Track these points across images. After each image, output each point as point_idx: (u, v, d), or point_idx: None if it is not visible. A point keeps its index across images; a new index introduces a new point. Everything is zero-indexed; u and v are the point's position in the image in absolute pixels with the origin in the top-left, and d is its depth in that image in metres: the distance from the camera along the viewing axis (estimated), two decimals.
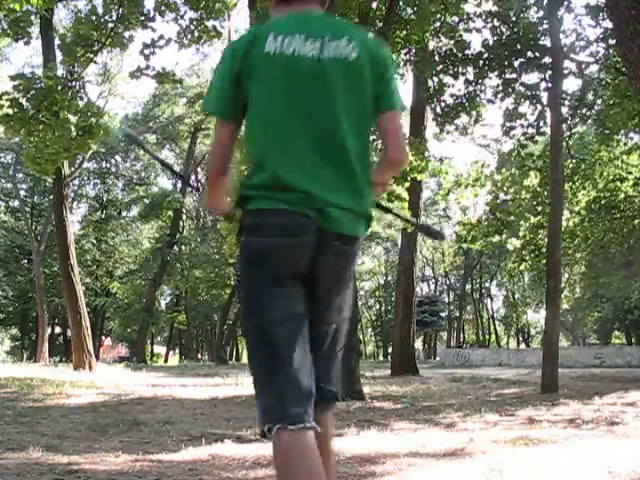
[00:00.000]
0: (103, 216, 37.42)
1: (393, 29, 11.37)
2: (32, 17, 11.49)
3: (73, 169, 23.40)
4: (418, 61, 12.32)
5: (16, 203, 34.23)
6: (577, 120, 13.53)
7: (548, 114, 11.83)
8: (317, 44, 1.58)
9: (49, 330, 33.30)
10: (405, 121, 18.77)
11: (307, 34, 1.59)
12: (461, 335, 44.50)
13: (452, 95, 12.97)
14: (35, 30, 13.88)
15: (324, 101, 1.59)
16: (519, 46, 11.78)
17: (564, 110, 12.15)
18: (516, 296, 44.80)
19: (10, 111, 10.71)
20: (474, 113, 13.05)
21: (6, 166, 33.12)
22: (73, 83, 11.72)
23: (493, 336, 45.16)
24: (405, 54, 13.02)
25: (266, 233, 1.55)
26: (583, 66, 11.98)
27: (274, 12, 1.72)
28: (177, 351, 48.09)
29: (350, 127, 1.60)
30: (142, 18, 11.40)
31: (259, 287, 1.57)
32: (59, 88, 11.22)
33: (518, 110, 12.57)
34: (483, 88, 12.72)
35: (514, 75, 12.32)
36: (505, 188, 15.39)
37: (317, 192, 1.55)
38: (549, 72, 11.32)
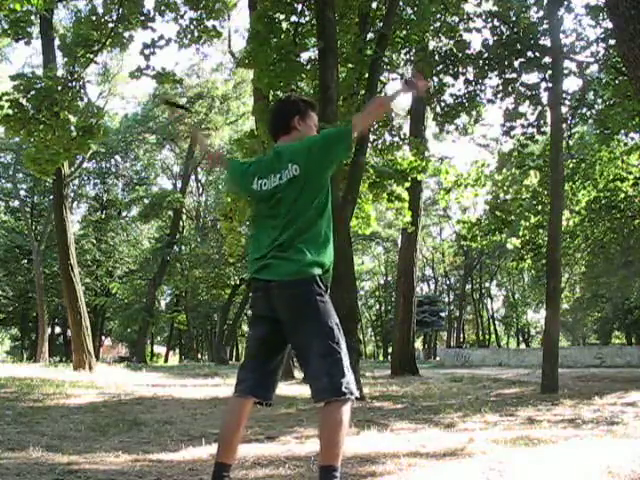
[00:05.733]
0: (103, 216, 37.40)
1: (393, 29, 11.36)
2: (32, 17, 11.48)
3: (73, 169, 23.38)
4: (418, 61, 12.32)
5: (16, 203, 34.21)
6: (577, 120, 13.52)
7: (548, 114, 11.83)
8: (278, 176, 2.55)
9: (49, 330, 33.30)
10: (405, 120, 18.77)
11: (274, 172, 2.57)
12: (461, 335, 44.47)
13: (452, 95, 12.97)
14: (35, 30, 13.88)
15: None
16: (519, 46, 11.77)
17: (564, 110, 12.14)
18: (516, 296, 44.79)
19: (10, 111, 10.70)
20: (474, 113, 13.04)
21: (6, 166, 33.10)
22: (73, 83, 11.71)
23: (493, 336, 45.15)
24: (405, 54, 13.02)
25: None
26: (583, 66, 11.97)
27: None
28: (177, 351, 48.09)
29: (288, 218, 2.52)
30: (142, 18, 11.38)
31: None
32: (59, 88, 11.21)
33: (518, 110, 12.57)
34: (483, 88, 12.71)
35: (514, 75, 12.30)
36: (505, 188, 15.39)
37: None
38: (549, 72, 11.32)
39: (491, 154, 15.74)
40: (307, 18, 11.38)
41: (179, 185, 37.46)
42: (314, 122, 2.74)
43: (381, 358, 45.89)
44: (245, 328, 49.88)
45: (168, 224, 36.49)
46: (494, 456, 3.50)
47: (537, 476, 3.03)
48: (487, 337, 44.92)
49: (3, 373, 11.59)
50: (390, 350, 29.12)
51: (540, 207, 15.08)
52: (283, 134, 2.69)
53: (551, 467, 3.20)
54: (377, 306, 50.37)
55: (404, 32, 12.19)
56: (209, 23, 12.02)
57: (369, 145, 11.91)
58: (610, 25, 9.86)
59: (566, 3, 11.34)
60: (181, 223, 37.64)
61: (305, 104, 2.75)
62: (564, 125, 12.02)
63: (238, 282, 32.90)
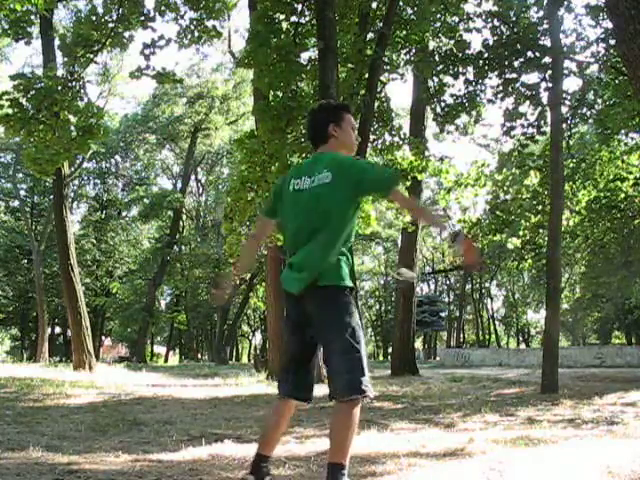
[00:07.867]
0: (103, 216, 37.41)
1: (393, 29, 11.37)
2: (32, 17, 11.49)
3: (73, 169, 23.40)
4: (418, 61, 12.32)
5: (16, 203, 34.23)
6: (577, 120, 13.51)
7: (548, 114, 11.83)
8: (310, 180, 2.65)
9: (49, 330, 33.30)
10: (406, 121, 18.78)
11: (309, 175, 2.67)
12: (461, 335, 44.45)
13: (452, 95, 12.97)
14: (35, 30, 13.88)
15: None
16: (519, 46, 11.77)
17: (564, 110, 12.13)
18: (516, 296, 44.77)
19: (10, 111, 10.71)
20: (474, 113, 13.04)
21: (6, 166, 33.12)
22: (73, 83, 11.71)
23: (493, 336, 45.14)
24: (405, 54, 13.02)
25: None
26: (583, 66, 11.97)
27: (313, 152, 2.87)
28: (177, 351, 48.08)
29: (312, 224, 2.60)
30: (142, 18, 11.40)
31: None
32: (59, 88, 11.22)
33: (518, 110, 12.57)
34: (483, 88, 12.71)
35: (514, 75, 12.30)
36: (505, 188, 15.40)
37: None
38: (549, 72, 11.32)
39: (491, 154, 15.76)
40: (307, 18, 11.39)
41: (179, 185, 37.48)
42: (351, 124, 2.83)
43: (381, 358, 45.88)
44: (245, 328, 49.89)
45: (168, 224, 36.51)
46: (494, 456, 3.50)
47: (537, 476, 3.03)
48: (487, 337, 44.91)
49: (3, 373, 11.59)
50: (390, 350, 29.10)
51: (540, 207, 15.07)
52: (322, 143, 2.80)
53: (551, 467, 3.20)
54: (377, 306, 50.36)
55: (404, 32, 12.20)
56: (209, 23, 12.05)
57: (369, 145, 11.91)
58: (610, 25, 9.86)
59: (566, 3, 11.34)
60: (181, 223, 37.65)
61: (337, 109, 2.86)
62: (564, 125, 12.02)
63: (238, 282, 32.86)
